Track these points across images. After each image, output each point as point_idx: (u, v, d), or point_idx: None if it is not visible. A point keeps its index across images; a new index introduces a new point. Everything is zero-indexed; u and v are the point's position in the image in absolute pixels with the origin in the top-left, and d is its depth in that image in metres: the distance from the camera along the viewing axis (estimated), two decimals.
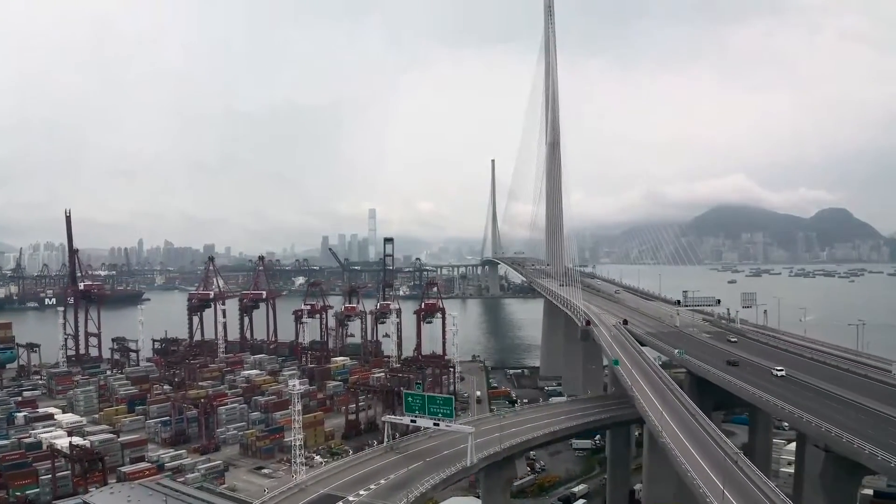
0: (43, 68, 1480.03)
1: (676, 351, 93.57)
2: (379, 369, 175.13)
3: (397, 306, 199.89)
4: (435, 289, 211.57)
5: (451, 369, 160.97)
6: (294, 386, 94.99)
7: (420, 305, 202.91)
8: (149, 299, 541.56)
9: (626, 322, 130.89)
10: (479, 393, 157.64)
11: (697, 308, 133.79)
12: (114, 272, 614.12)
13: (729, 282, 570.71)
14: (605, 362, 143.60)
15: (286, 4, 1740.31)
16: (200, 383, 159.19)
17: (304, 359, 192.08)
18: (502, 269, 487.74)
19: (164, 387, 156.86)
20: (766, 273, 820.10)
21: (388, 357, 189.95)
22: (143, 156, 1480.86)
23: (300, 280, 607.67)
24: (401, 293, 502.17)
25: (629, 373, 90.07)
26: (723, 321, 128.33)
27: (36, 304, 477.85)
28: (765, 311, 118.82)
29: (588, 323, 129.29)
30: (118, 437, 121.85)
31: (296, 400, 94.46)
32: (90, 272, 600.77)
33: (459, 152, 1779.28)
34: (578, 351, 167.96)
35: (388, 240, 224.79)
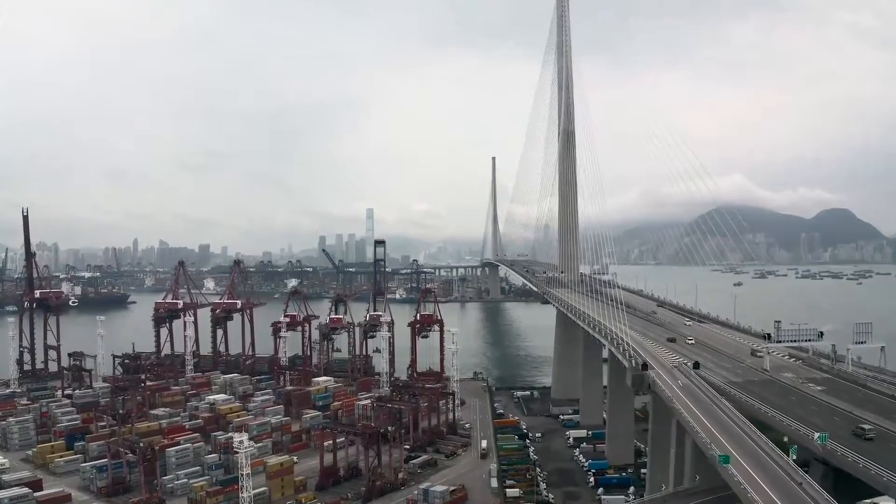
0: (37, 68, 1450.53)
1: (817, 437, 60.22)
2: (367, 393, 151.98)
3: (389, 318, 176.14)
4: (431, 294, 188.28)
5: (451, 395, 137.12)
6: (242, 442, 72.02)
7: (415, 317, 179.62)
8: (134, 302, 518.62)
9: (697, 365, 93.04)
10: (484, 443, 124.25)
11: (795, 345, 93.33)
12: (98, 274, 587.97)
13: (735, 284, 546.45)
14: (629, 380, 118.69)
15: (279, 2, 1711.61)
16: (155, 412, 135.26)
17: (282, 379, 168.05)
18: (503, 270, 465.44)
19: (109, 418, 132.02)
20: (771, 274, 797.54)
21: (378, 374, 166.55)
22: (139, 156, 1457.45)
23: (293, 283, 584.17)
24: (397, 296, 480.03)
25: (748, 477, 54.34)
26: (822, 360, 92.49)
27: (15, 308, 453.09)
28: (882, 349, 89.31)
29: (644, 366, 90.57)
30: (41, 488, 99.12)
31: (244, 462, 71.51)
32: (74, 273, 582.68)
33: (457, 152, 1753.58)
34: (599, 372, 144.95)
35: (380, 242, 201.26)
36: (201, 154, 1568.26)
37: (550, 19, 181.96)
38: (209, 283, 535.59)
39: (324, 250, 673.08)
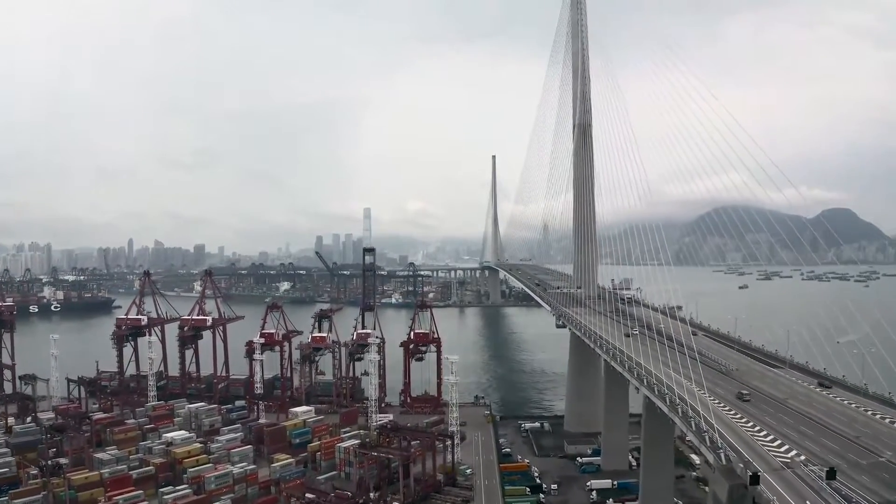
0: (33, 67, 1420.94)
1: None
2: (351, 428, 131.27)
3: (378, 336, 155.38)
4: (428, 309, 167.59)
5: (451, 438, 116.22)
6: None
7: (408, 335, 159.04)
8: (119, 307, 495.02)
9: (832, 474, 54.99)
10: None
11: None
12: (83, 277, 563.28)
13: (740, 287, 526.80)
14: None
15: (272, 1, 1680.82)
16: (100, 455, 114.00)
17: (256, 409, 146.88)
18: (503, 272, 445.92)
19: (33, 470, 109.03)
20: (776, 276, 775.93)
21: (366, 400, 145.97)
22: (138, 155, 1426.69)
23: (285, 286, 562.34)
24: (393, 301, 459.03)
25: None
26: None
27: None
28: None
29: (755, 479, 54.42)
30: None
31: None
32: (57, 276, 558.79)
33: (455, 150, 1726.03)
34: (624, 404, 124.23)
35: (369, 250, 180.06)
36: (198, 153, 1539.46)
37: (560, 7, 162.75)
38: (200, 287, 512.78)
39: (317, 252, 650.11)
